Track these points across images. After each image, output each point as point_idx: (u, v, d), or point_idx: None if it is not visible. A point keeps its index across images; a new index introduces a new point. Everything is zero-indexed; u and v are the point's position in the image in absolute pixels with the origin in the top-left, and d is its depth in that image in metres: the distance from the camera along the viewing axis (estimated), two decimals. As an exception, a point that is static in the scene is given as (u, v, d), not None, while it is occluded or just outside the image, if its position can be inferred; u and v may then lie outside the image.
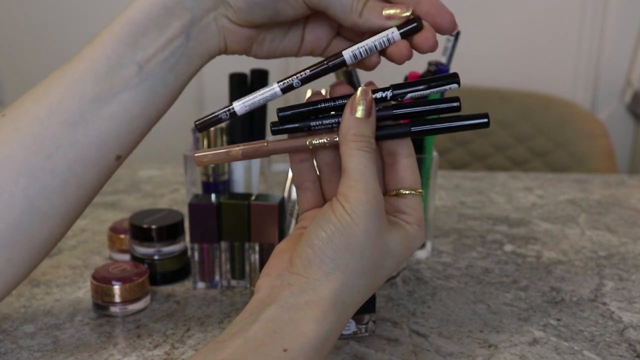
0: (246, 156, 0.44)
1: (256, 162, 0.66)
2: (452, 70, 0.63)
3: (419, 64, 0.70)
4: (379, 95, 0.43)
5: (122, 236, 0.66)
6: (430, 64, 0.61)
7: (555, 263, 0.68)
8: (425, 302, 0.59)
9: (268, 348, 0.36)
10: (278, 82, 0.44)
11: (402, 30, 0.43)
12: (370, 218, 0.40)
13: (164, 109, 0.46)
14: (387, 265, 0.41)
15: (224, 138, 0.63)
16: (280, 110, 0.44)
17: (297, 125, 0.44)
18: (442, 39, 0.62)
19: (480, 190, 0.92)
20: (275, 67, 0.66)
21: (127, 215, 0.77)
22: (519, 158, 1.50)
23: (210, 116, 0.44)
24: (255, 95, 0.44)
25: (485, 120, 0.43)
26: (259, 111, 0.67)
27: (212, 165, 0.63)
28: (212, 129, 0.62)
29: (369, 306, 0.52)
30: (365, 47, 0.44)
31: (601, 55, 1.64)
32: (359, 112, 0.42)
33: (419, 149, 0.64)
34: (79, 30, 1.74)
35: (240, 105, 0.44)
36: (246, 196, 0.60)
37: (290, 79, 0.44)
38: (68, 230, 0.47)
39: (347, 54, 0.44)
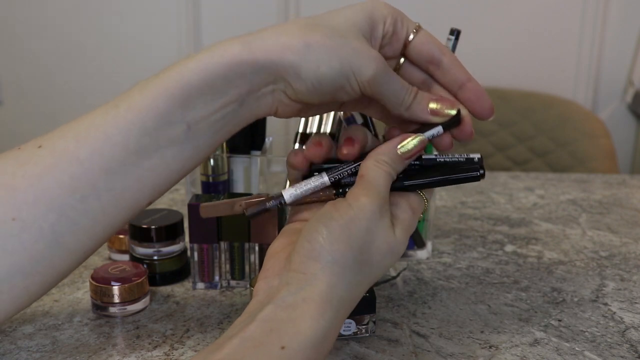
0: (253, 213, 0.45)
1: (256, 162, 0.66)
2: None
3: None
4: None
5: (122, 236, 0.66)
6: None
7: (556, 263, 0.68)
8: (426, 303, 0.59)
9: (266, 347, 0.36)
10: (328, 174, 0.44)
11: (444, 125, 0.45)
12: (373, 217, 0.40)
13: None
14: (386, 262, 0.42)
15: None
16: (329, 173, 0.45)
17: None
18: (442, 39, 0.62)
19: (480, 190, 0.92)
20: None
21: (126, 215, 0.77)
22: (520, 158, 1.50)
23: (261, 209, 0.45)
24: (306, 188, 0.44)
25: (477, 173, 0.45)
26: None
27: (212, 165, 0.63)
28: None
29: (369, 307, 0.52)
30: None
31: (602, 54, 1.64)
32: (403, 150, 0.43)
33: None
34: (78, 32, 1.74)
35: (291, 198, 0.44)
36: (246, 196, 0.59)
37: (339, 173, 0.44)
38: (86, 260, 0.47)
39: None
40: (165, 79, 0.42)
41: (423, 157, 0.46)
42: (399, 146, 0.43)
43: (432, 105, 0.45)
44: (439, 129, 0.45)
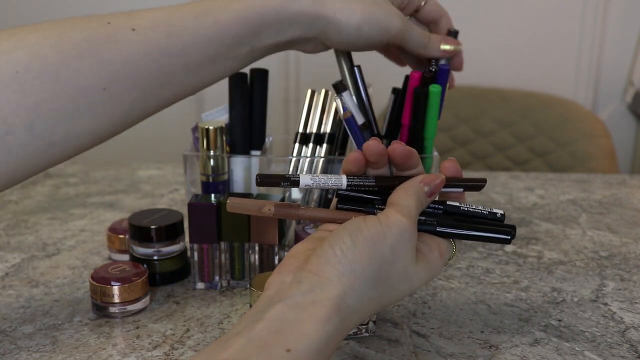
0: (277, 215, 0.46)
1: (255, 162, 0.66)
2: (451, 68, 0.63)
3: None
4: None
5: (122, 236, 0.66)
6: (430, 63, 0.61)
7: (556, 263, 0.68)
8: (426, 303, 0.59)
9: (271, 348, 0.36)
10: (348, 179, 0.45)
11: (464, 187, 0.48)
12: (401, 238, 0.41)
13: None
14: (400, 289, 0.42)
15: (224, 138, 0.63)
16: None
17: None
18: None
19: (481, 190, 0.92)
20: (275, 67, 0.66)
21: (126, 215, 0.77)
22: (520, 158, 1.50)
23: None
24: (322, 181, 0.45)
25: (509, 237, 0.46)
26: (259, 113, 0.67)
27: (212, 165, 0.63)
28: (211, 127, 0.62)
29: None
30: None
31: (602, 54, 1.64)
32: (427, 188, 0.45)
33: (420, 149, 0.64)
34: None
35: (305, 186, 0.45)
36: (246, 196, 0.59)
37: (358, 182, 0.45)
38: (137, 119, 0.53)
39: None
40: (246, 7, 0.52)
41: (448, 203, 0.47)
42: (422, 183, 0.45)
43: (444, 46, 0.60)
44: (460, 189, 0.48)
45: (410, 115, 0.63)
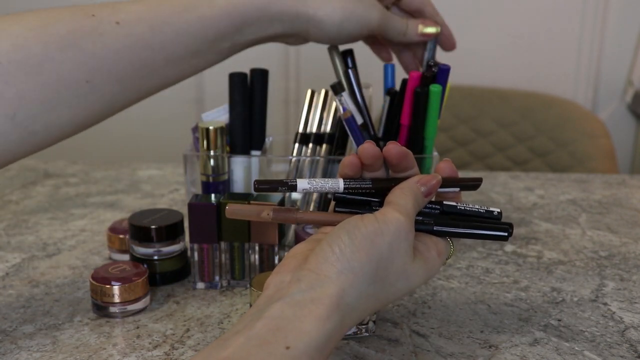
0: (275, 219, 0.46)
1: (256, 162, 0.66)
2: (451, 67, 0.63)
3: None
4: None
5: (122, 236, 0.66)
6: (430, 64, 0.61)
7: (556, 263, 0.68)
8: (426, 303, 0.59)
9: (271, 346, 0.36)
10: (344, 182, 0.45)
11: (461, 187, 0.48)
12: (398, 235, 0.41)
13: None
14: (399, 287, 0.42)
15: (224, 138, 0.63)
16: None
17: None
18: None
19: (480, 190, 0.92)
20: (275, 67, 0.66)
21: (126, 215, 0.77)
22: (520, 158, 1.50)
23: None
24: (319, 185, 0.45)
25: (506, 234, 0.47)
26: (259, 113, 0.67)
27: (212, 165, 0.63)
28: (211, 127, 0.62)
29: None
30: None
31: (602, 54, 1.64)
32: (423, 189, 0.45)
33: (420, 149, 0.64)
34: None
35: (302, 190, 0.45)
36: (246, 196, 0.60)
37: (355, 184, 0.46)
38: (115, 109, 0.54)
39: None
40: (230, 4, 0.54)
41: (444, 202, 0.47)
42: (419, 184, 0.45)
43: (422, 30, 0.62)
44: (456, 188, 0.47)
45: (410, 115, 0.63)
